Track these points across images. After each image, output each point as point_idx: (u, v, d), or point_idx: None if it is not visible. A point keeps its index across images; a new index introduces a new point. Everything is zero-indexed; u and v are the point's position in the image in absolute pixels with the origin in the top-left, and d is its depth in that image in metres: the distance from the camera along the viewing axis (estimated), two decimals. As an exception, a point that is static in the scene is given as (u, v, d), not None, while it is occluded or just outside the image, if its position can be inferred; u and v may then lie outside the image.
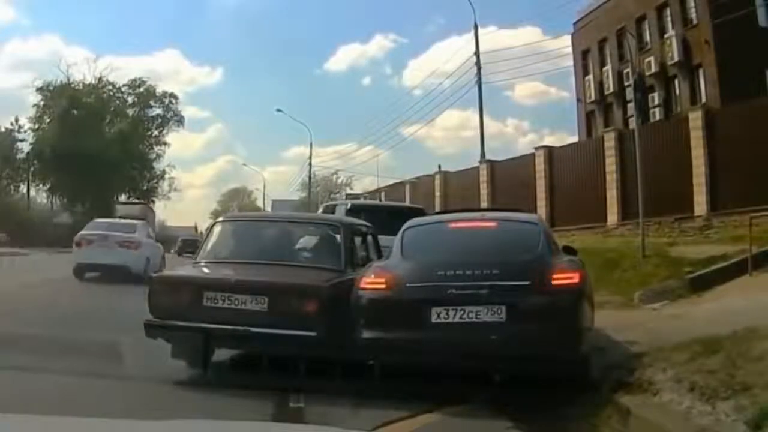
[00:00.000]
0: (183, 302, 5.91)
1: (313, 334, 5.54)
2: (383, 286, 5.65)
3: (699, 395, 4.43)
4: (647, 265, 11.71)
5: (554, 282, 5.40)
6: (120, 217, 36.82)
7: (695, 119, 16.42)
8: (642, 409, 4.63)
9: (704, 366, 4.86)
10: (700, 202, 15.92)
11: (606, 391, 5.23)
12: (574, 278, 5.50)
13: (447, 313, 5.31)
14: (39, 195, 50.44)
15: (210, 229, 7.47)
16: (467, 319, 5.27)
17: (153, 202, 51.76)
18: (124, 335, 6.34)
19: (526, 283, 5.36)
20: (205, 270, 6.60)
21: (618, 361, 5.90)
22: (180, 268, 7.43)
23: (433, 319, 5.32)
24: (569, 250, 6.57)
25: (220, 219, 8.04)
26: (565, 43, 31.71)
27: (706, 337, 5.63)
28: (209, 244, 6.88)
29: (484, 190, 23.73)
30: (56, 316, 9.17)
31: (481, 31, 28.58)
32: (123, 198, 51.05)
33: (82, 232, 16.40)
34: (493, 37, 64.28)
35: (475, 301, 5.28)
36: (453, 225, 6.76)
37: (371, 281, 5.72)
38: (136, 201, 40.01)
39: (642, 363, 5.49)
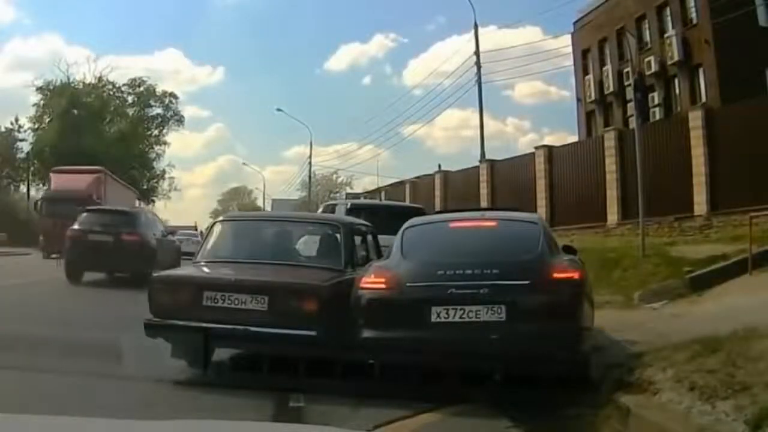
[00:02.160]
0: (183, 302, 5.92)
1: (313, 333, 5.54)
2: (383, 286, 5.65)
3: (699, 395, 4.41)
4: (647, 264, 11.70)
5: (554, 281, 5.40)
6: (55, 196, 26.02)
7: (695, 119, 16.43)
8: (642, 408, 4.61)
9: (704, 365, 4.85)
10: (700, 202, 15.93)
11: (606, 391, 5.22)
12: (574, 278, 5.51)
13: (447, 313, 5.31)
14: (39, 195, 50.34)
15: (210, 228, 7.47)
16: (467, 319, 5.27)
17: (153, 201, 51.85)
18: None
19: (526, 282, 5.37)
20: (205, 269, 6.60)
21: (618, 360, 5.89)
22: (180, 267, 7.45)
23: (433, 318, 5.32)
24: (569, 250, 6.57)
25: (220, 218, 8.04)
26: (565, 42, 31.76)
27: (705, 336, 5.62)
28: (209, 244, 6.88)
29: (484, 189, 23.74)
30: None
31: (481, 30, 28.63)
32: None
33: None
34: (493, 37, 64.43)
35: (475, 301, 5.28)
36: (453, 224, 6.76)
37: (371, 281, 5.72)
38: (84, 168, 28.47)
39: (642, 362, 5.49)
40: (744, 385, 4.34)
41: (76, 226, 14.62)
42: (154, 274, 6.35)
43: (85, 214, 15.22)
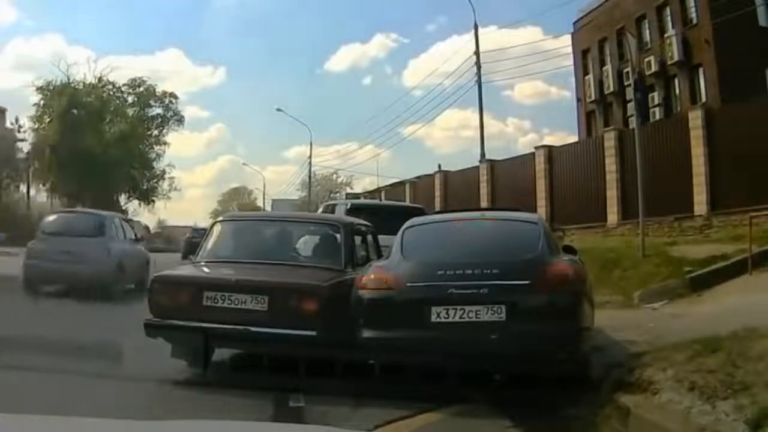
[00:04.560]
0: (183, 302, 5.92)
1: (313, 333, 5.54)
2: (383, 286, 5.65)
3: (699, 395, 4.42)
4: (647, 264, 11.70)
5: (554, 281, 5.40)
6: None
7: (695, 119, 16.42)
8: (642, 408, 4.62)
9: (704, 365, 4.85)
10: (700, 202, 15.91)
11: (606, 391, 5.23)
12: (574, 278, 5.51)
13: (447, 313, 5.31)
14: (39, 195, 50.29)
15: (210, 228, 7.47)
16: (467, 319, 5.28)
17: (153, 201, 51.83)
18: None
19: (526, 282, 5.36)
20: (205, 270, 6.60)
21: (618, 360, 5.90)
22: (180, 267, 7.44)
23: (433, 318, 5.32)
24: (569, 250, 6.58)
25: (220, 219, 8.02)
26: (565, 42, 31.74)
27: (705, 336, 5.63)
28: (209, 244, 6.88)
29: (484, 189, 23.72)
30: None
31: (481, 30, 28.62)
32: (123, 198, 50.96)
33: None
34: (493, 37, 64.40)
35: (474, 301, 5.28)
36: (453, 225, 6.77)
37: (371, 281, 5.72)
38: None
39: (642, 362, 5.49)
40: (744, 385, 4.34)
41: (188, 235, 28.85)
42: (154, 274, 6.34)
43: (192, 229, 30.61)
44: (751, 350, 4.94)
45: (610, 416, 4.80)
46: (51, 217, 13.95)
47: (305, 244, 7.11)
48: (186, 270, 6.81)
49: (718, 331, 5.71)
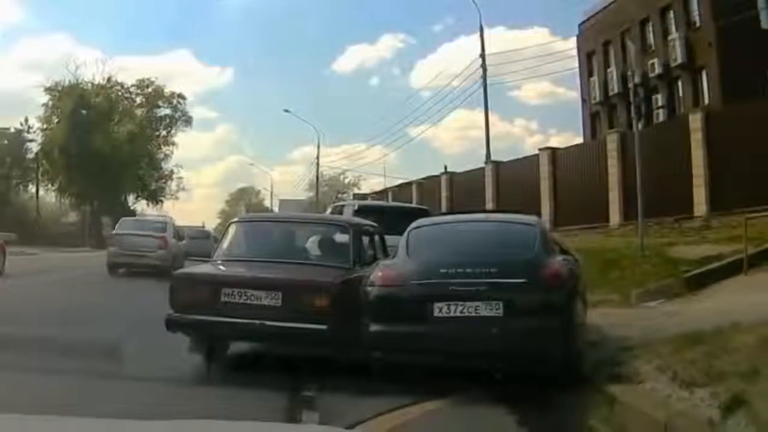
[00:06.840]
0: (202, 298, 6.28)
1: (324, 327, 5.90)
2: (390, 283, 6.02)
3: (679, 383, 4.78)
4: (646, 264, 11.96)
5: (548, 280, 5.76)
6: None
7: (695, 121, 16.68)
8: (627, 396, 4.96)
9: (686, 357, 5.21)
10: (700, 203, 16.18)
11: (597, 382, 5.56)
12: (567, 277, 5.88)
13: (448, 308, 5.66)
14: (48, 195, 50.72)
15: (226, 229, 7.86)
16: (467, 314, 5.63)
17: (161, 201, 52.28)
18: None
19: (522, 281, 5.72)
20: (222, 268, 6.97)
21: (609, 354, 6.23)
22: (199, 266, 7.83)
23: (436, 313, 5.67)
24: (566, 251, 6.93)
25: (236, 220, 8.37)
26: (573, 44, 31.91)
27: (691, 331, 5.98)
28: (225, 244, 7.27)
29: (489, 190, 23.97)
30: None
31: (490, 31, 29.47)
32: (131, 198, 51.40)
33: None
34: (502, 38, 64.43)
35: (474, 297, 5.64)
36: (456, 226, 7.14)
37: (378, 278, 6.09)
38: None
39: (631, 355, 5.84)
40: (721, 374, 4.70)
41: None
42: (174, 272, 6.75)
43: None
44: (731, 343, 5.30)
45: (599, 403, 5.14)
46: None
47: (316, 243, 7.49)
48: (205, 268, 7.20)
49: (707, 327, 6.04)
